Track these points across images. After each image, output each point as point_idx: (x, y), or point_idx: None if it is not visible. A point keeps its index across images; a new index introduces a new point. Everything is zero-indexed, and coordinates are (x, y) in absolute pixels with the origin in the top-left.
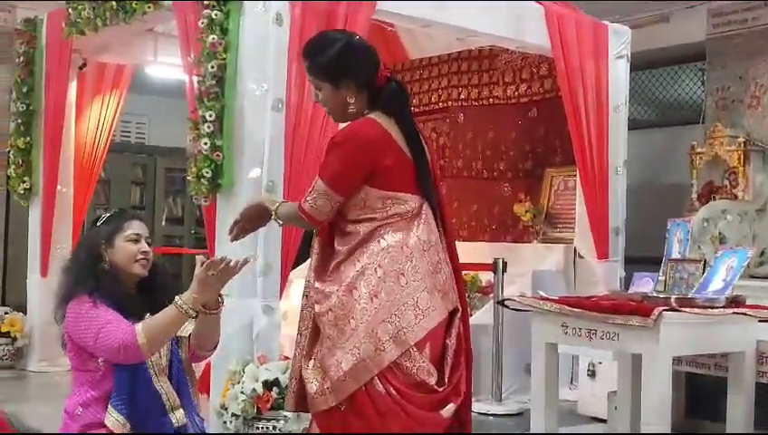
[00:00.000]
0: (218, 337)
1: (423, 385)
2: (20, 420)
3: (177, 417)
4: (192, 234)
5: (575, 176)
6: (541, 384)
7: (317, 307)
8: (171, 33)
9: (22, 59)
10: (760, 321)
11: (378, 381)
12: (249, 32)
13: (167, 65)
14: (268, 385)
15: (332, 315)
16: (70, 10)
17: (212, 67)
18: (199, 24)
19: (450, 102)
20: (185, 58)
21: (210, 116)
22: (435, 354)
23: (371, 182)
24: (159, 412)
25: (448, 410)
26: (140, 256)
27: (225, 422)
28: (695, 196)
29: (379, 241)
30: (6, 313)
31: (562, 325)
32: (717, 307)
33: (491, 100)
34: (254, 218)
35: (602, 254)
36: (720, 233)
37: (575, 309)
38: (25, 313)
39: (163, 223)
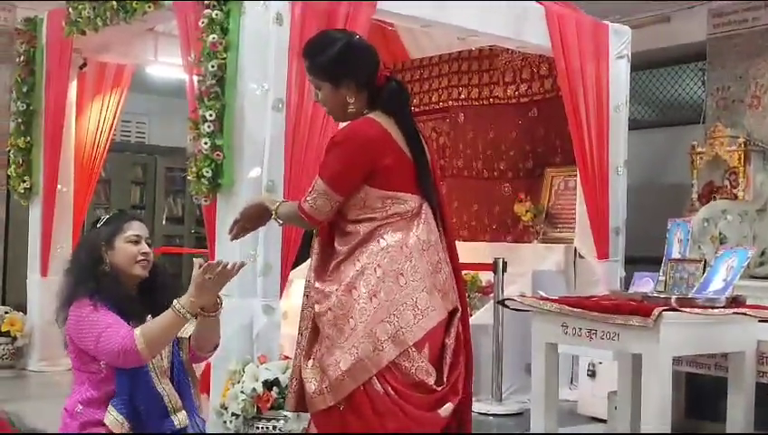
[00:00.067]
0: (218, 338)
1: (421, 385)
2: (21, 420)
3: (180, 419)
4: (192, 233)
5: (575, 176)
6: (541, 384)
7: (317, 307)
8: (172, 33)
9: (22, 58)
10: (760, 321)
11: (376, 381)
12: (249, 31)
13: (167, 65)
14: (268, 385)
15: (332, 315)
16: (70, 9)
17: (212, 67)
18: (200, 23)
19: (450, 102)
20: (185, 58)
21: (210, 116)
22: (433, 354)
23: (371, 182)
24: (161, 414)
25: (446, 409)
26: (141, 258)
27: (225, 422)
28: (695, 196)
29: (378, 241)
30: (6, 312)
31: (562, 325)
32: (717, 307)
33: (491, 99)
34: (254, 218)
35: (602, 254)
36: (720, 233)
37: (575, 309)
38: (25, 312)
39: (163, 222)
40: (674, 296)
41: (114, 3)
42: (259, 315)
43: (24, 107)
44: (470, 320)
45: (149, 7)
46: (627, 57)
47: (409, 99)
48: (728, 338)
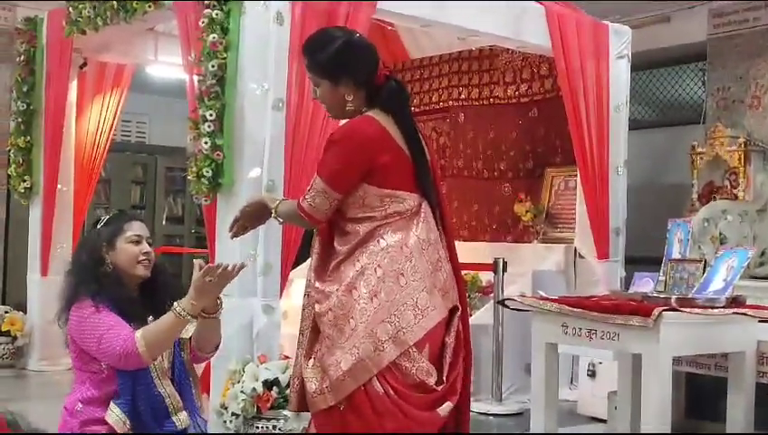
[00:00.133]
0: (219, 339)
1: (422, 385)
2: (25, 420)
3: (181, 419)
4: (192, 233)
5: (576, 176)
6: (541, 384)
7: (317, 307)
8: (172, 33)
9: (22, 58)
10: (760, 321)
11: (376, 382)
12: (250, 31)
13: (167, 65)
14: (268, 385)
15: (332, 315)
16: (70, 9)
17: (212, 66)
18: (200, 23)
19: (451, 102)
20: (185, 57)
21: (210, 115)
22: (434, 353)
23: (369, 180)
24: (162, 415)
25: (445, 408)
26: (142, 258)
27: (225, 422)
28: (695, 196)
29: (378, 241)
30: (6, 312)
31: (562, 325)
32: (717, 307)
33: (491, 99)
34: (254, 216)
35: (603, 254)
36: (720, 233)
37: (575, 309)
38: (25, 312)
39: (163, 222)
40: (674, 296)
41: (114, 2)
42: (259, 315)
43: (25, 106)
44: (470, 320)
45: (150, 7)
46: (627, 57)
47: (409, 98)
48: (728, 338)
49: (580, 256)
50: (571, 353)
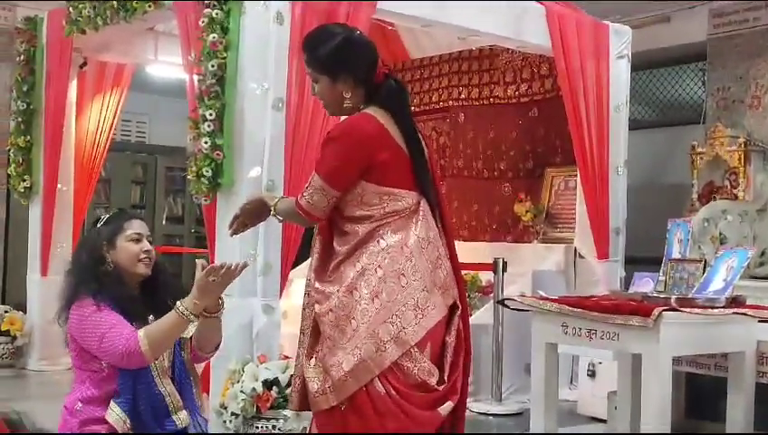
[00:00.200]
0: (220, 338)
1: (423, 385)
2: (31, 419)
3: (181, 418)
4: (192, 233)
5: (576, 176)
6: (541, 384)
7: (317, 307)
8: (172, 32)
9: (22, 57)
10: (760, 321)
11: (378, 382)
12: (250, 31)
13: (167, 64)
14: (268, 384)
15: (333, 316)
16: (70, 9)
17: (212, 66)
18: (200, 22)
19: (451, 102)
20: (185, 57)
21: (210, 115)
22: (434, 352)
23: (368, 177)
24: (163, 414)
25: (446, 408)
26: (143, 256)
27: (224, 421)
28: (695, 196)
29: (378, 241)
30: (6, 311)
31: (562, 325)
32: (717, 307)
33: (491, 99)
34: (253, 214)
35: (602, 254)
36: (720, 233)
37: (575, 309)
38: (25, 311)
39: (163, 222)
40: (674, 296)
41: (114, 2)
42: (259, 315)
43: (25, 106)
44: (470, 320)
45: (150, 6)
46: (627, 57)
47: (408, 98)
48: (728, 338)
49: (580, 256)
50: (571, 353)
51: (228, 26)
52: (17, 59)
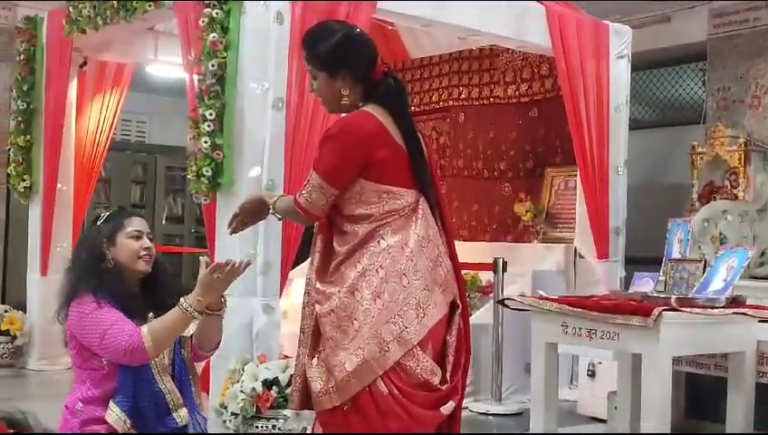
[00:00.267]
0: (220, 337)
1: (426, 384)
2: (36, 419)
3: (181, 416)
4: (192, 233)
5: (576, 176)
6: (541, 384)
7: (318, 308)
8: (172, 32)
9: (22, 57)
10: (760, 321)
11: (381, 382)
12: (250, 30)
13: (167, 64)
14: (268, 384)
15: (335, 317)
16: (70, 8)
17: (212, 66)
18: (200, 22)
19: (451, 102)
20: (185, 57)
21: (210, 115)
22: (436, 351)
23: (366, 175)
24: (163, 411)
25: (448, 407)
26: (143, 253)
27: (224, 421)
28: (695, 196)
29: (378, 242)
30: (6, 311)
31: (562, 325)
32: (717, 307)
33: (491, 99)
34: (252, 212)
35: (602, 254)
36: (720, 233)
37: (575, 309)
38: (25, 311)
39: (163, 222)
40: (674, 296)
41: (114, 2)
42: (259, 315)
43: (25, 106)
44: (470, 320)
45: (150, 6)
46: (627, 57)
47: (407, 96)
48: (728, 338)
49: (580, 256)
50: (571, 353)
51: (228, 26)
52: (17, 58)
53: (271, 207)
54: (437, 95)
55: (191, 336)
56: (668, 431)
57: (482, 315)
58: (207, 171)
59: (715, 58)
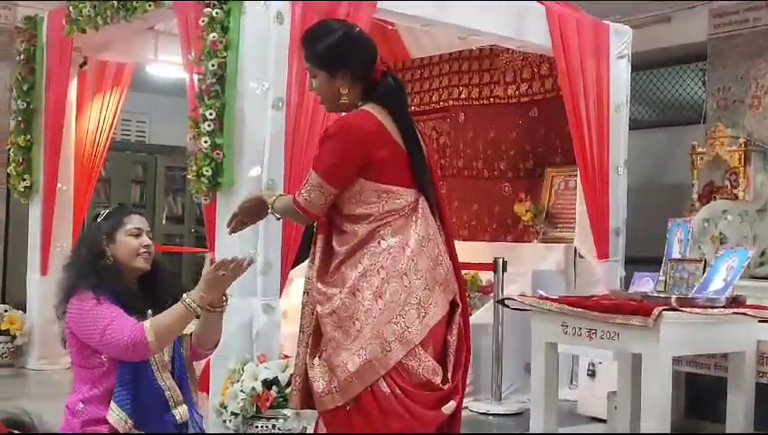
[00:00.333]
0: (219, 336)
1: (428, 384)
2: (42, 420)
3: (180, 413)
4: (192, 232)
5: (576, 176)
6: (541, 384)
7: (319, 308)
8: (172, 32)
9: (22, 57)
10: (760, 321)
11: (383, 382)
12: (250, 30)
13: (167, 63)
14: (267, 384)
15: (336, 317)
16: (70, 8)
17: (212, 65)
18: (200, 22)
19: (451, 102)
20: (185, 56)
21: (210, 114)
22: (437, 351)
23: (365, 174)
24: (162, 408)
25: (449, 407)
26: (143, 250)
27: (224, 421)
28: (695, 196)
29: (379, 242)
30: (6, 310)
31: (562, 325)
32: (717, 307)
33: (492, 99)
34: (252, 212)
35: (602, 254)
36: (720, 233)
37: (575, 308)
38: (25, 311)
39: (163, 221)
40: (674, 296)
41: (114, 1)
42: (259, 314)
43: (25, 105)
44: (470, 319)
45: (150, 6)
46: (627, 57)
47: (406, 95)
48: (728, 338)
49: (580, 256)
50: (571, 353)
51: (228, 26)
52: (17, 58)
53: (270, 206)
54: (437, 95)
55: (190, 334)
56: (668, 431)
57: (482, 315)
58: (207, 171)
59: (715, 58)
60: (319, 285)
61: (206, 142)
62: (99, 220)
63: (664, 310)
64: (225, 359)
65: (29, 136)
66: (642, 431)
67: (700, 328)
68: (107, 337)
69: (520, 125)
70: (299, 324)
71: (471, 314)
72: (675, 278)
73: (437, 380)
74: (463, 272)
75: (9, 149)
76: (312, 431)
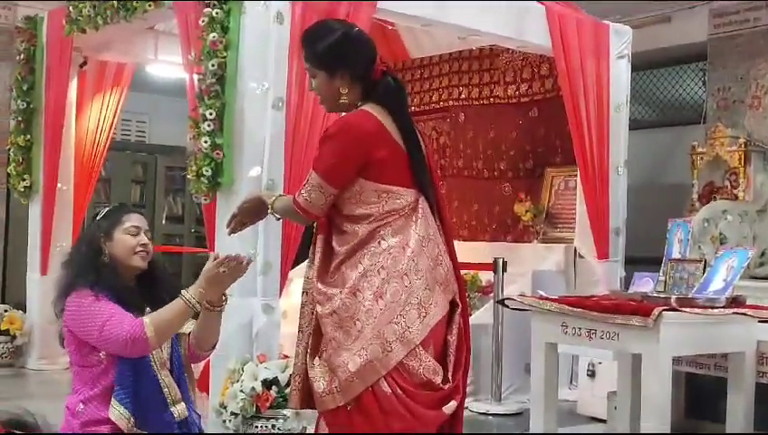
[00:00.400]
0: (217, 337)
1: (429, 384)
2: (46, 421)
3: (179, 410)
4: (192, 232)
5: (576, 176)
6: (540, 384)
7: (319, 308)
8: (172, 32)
9: (22, 57)
10: (760, 321)
11: (384, 382)
12: (250, 30)
13: (167, 63)
14: (267, 384)
15: (336, 317)
16: (70, 8)
17: (212, 65)
18: (200, 22)
19: (451, 102)
20: (185, 56)
21: (210, 114)
22: (437, 351)
23: (365, 174)
24: (161, 406)
25: (450, 407)
26: (139, 249)
27: (224, 421)
28: (695, 196)
29: (379, 242)
30: (6, 310)
31: (562, 325)
32: (717, 307)
33: (492, 99)
34: (251, 212)
35: (602, 254)
36: (720, 233)
37: (575, 309)
38: (25, 310)
39: (163, 221)
40: (674, 296)
41: (115, 1)
42: (259, 314)
43: (25, 105)
44: (470, 320)
45: (150, 6)
46: (627, 57)
47: (406, 95)
48: (728, 338)
49: (580, 256)
50: (570, 353)
51: (228, 26)
52: (17, 58)
53: (270, 206)
54: (437, 95)
55: (188, 334)
56: (668, 431)
57: (482, 315)
58: (207, 171)
59: (715, 58)
60: (319, 286)
61: (206, 142)
62: (98, 218)
63: (664, 310)
64: (224, 359)
65: (29, 136)
66: (642, 431)
67: (700, 328)
68: (105, 333)
69: (520, 125)
70: (298, 324)
71: (471, 315)
72: (675, 278)
73: (438, 380)
74: (463, 272)
75: (9, 149)
76: (312, 431)
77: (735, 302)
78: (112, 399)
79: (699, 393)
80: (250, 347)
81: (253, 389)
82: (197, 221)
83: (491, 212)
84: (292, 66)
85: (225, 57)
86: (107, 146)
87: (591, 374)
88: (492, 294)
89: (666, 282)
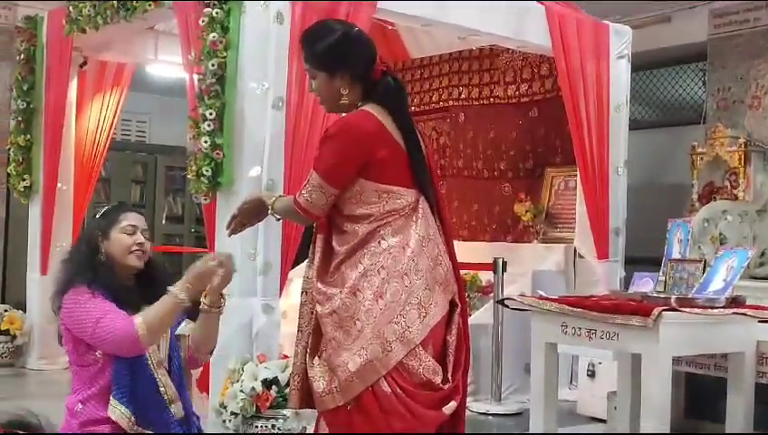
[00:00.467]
0: (215, 342)
1: (428, 384)
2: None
3: (176, 410)
4: (192, 232)
5: (575, 176)
6: (540, 384)
7: (319, 308)
8: (172, 32)
9: (22, 57)
10: (760, 321)
11: (384, 382)
12: (250, 30)
13: (167, 63)
14: (267, 384)
15: (336, 317)
16: (71, 8)
17: (212, 65)
18: (200, 22)
19: (451, 102)
20: (185, 56)
21: (210, 114)
22: (437, 351)
23: (366, 175)
24: (159, 405)
25: (450, 407)
26: (135, 248)
27: (224, 421)
28: (695, 196)
29: (379, 242)
30: (6, 310)
31: (562, 325)
32: (717, 307)
33: (492, 99)
34: (251, 213)
35: (602, 254)
36: (720, 233)
37: (575, 309)
38: (25, 310)
39: (163, 221)
40: (674, 296)
41: (115, 1)
42: (258, 314)
43: (25, 105)
44: (470, 320)
45: (150, 6)
46: (627, 57)
47: (406, 95)
48: (728, 338)
49: (580, 256)
50: (570, 353)
51: (228, 26)
52: (17, 58)
53: (270, 207)
54: (437, 95)
55: (188, 336)
56: (668, 431)
57: (482, 315)
58: (207, 171)
59: (715, 58)
60: (319, 285)
61: (206, 142)
62: (97, 217)
63: (664, 310)
64: (224, 359)
65: (29, 136)
66: (642, 431)
67: (700, 328)
68: (99, 330)
69: (520, 125)
70: (297, 324)
71: (471, 315)
72: (675, 278)
73: (438, 380)
74: (463, 272)
75: (9, 149)
76: (311, 431)
77: (735, 302)
78: (111, 398)
79: (699, 393)
80: (250, 347)
81: (253, 389)
82: (197, 221)
83: (491, 212)
84: (292, 66)
85: (225, 57)
86: (107, 146)
87: (591, 374)
88: (492, 294)
89: (665, 282)
